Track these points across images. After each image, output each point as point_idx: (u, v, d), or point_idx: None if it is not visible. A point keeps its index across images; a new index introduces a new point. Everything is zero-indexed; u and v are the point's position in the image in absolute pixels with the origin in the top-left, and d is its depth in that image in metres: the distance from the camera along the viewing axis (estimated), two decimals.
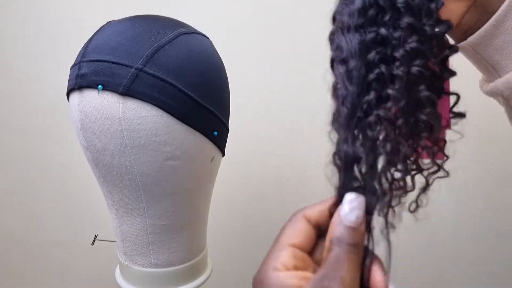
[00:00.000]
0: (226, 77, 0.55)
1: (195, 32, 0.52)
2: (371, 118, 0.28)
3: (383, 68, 0.29)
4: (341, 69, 0.30)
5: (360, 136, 0.28)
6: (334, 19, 0.35)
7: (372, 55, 0.29)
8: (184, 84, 0.47)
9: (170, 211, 0.52)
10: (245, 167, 0.90)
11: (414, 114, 0.29)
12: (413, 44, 0.28)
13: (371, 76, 0.29)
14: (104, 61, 0.46)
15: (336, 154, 0.31)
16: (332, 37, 0.34)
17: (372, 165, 0.28)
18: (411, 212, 0.34)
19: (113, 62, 0.45)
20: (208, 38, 0.55)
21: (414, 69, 0.28)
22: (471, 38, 0.34)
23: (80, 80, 0.47)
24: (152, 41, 0.46)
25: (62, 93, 0.54)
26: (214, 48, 0.54)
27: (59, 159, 0.97)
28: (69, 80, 0.49)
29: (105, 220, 0.62)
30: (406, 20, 0.29)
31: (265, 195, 0.91)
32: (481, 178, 0.85)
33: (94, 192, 0.68)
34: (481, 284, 0.90)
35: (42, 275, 1.06)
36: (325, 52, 0.91)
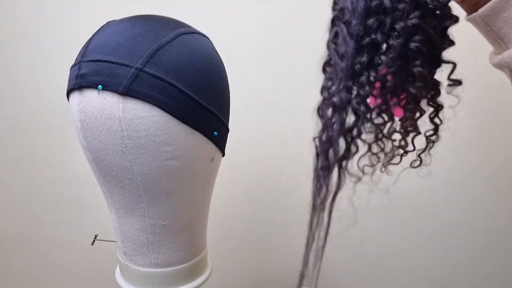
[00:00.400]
0: (226, 77, 0.55)
1: (195, 32, 0.52)
2: (363, 78, 0.30)
3: (379, 35, 0.30)
4: (343, 28, 0.31)
5: (355, 89, 0.31)
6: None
7: (371, 21, 0.30)
8: (184, 84, 0.47)
9: (170, 211, 0.52)
10: (245, 167, 0.90)
11: (404, 85, 0.31)
12: (415, 20, 0.29)
13: (366, 40, 0.30)
14: (104, 61, 0.45)
15: (327, 100, 0.33)
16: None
17: (358, 117, 0.30)
18: (414, 167, 0.37)
19: (113, 62, 0.45)
20: (208, 38, 0.55)
21: (412, 44, 0.30)
22: (481, 10, 0.35)
23: (80, 80, 0.47)
24: (152, 41, 0.46)
25: (62, 93, 0.54)
26: (214, 48, 0.54)
27: (59, 159, 0.97)
28: (69, 80, 0.49)
29: (105, 220, 0.62)
30: None
31: (265, 195, 0.91)
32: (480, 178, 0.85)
33: (94, 192, 0.68)
34: (477, 285, 0.90)
35: (42, 275, 1.06)
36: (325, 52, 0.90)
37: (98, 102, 0.46)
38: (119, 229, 0.54)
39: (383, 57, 0.30)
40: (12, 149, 1.00)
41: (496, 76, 0.43)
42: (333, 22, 0.35)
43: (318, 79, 0.95)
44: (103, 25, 0.51)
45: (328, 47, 0.33)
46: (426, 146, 0.39)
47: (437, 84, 0.35)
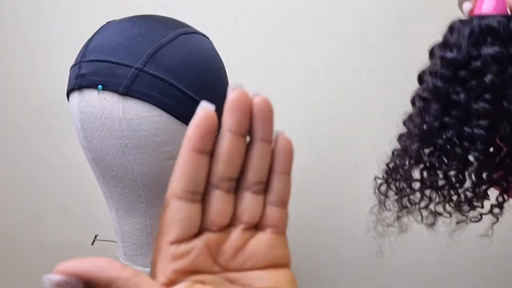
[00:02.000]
0: (226, 77, 0.55)
1: (195, 32, 0.52)
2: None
3: (454, 131, 0.33)
4: (422, 104, 0.35)
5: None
6: (431, 54, 0.38)
7: (448, 119, 0.33)
8: (184, 84, 0.47)
9: None
10: None
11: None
12: (486, 126, 0.31)
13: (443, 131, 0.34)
14: (104, 61, 0.45)
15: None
16: (422, 75, 0.38)
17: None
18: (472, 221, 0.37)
19: (113, 62, 0.45)
20: (208, 38, 0.55)
21: (490, 148, 0.31)
22: None
23: (80, 80, 0.46)
24: (152, 41, 0.46)
25: (62, 93, 0.54)
26: (214, 48, 0.54)
27: (59, 159, 0.97)
28: (69, 80, 0.49)
29: (105, 220, 0.62)
30: (487, 97, 0.31)
31: None
32: None
33: (94, 192, 0.68)
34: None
35: (42, 275, 1.06)
36: (325, 52, 0.92)
37: (98, 102, 0.46)
38: (119, 229, 0.54)
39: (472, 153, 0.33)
40: (12, 149, 1.00)
41: None
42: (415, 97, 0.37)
43: (318, 78, 0.95)
44: (103, 25, 0.51)
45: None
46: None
47: None
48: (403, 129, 0.38)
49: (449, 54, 0.34)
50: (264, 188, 0.24)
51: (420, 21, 0.79)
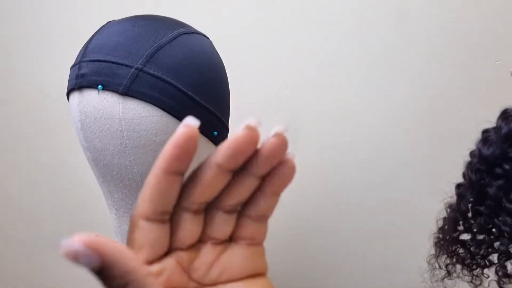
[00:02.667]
0: (226, 77, 0.55)
1: (195, 32, 0.52)
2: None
3: (486, 219, 0.36)
4: (459, 190, 0.38)
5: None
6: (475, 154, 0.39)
7: (482, 208, 0.36)
8: (184, 84, 0.47)
9: None
10: None
11: None
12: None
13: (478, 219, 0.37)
14: (104, 61, 0.45)
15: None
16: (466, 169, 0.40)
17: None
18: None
19: (113, 62, 0.45)
20: (208, 38, 0.55)
21: None
22: None
23: (80, 80, 0.46)
24: (152, 41, 0.46)
25: (62, 93, 0.54)
26: (214, 48, 0.54)
27: (59, 159, 0.97)
28: (69, 80, 0.49)
29: (105, 220, 0.62)
30: None
31: None
32: None
33: (94, 192, 0.68)
34: None
35: (42, 275, 1.06)
36: (325, 52, 0.92)
37: (98, 102, 0.46)
38: (119, 229, 0.54)
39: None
40: (11, 149, 1.00)
41: None
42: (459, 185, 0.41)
43: (319, 78, 0.95)
44: (103, 25, 0.51)
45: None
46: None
47: None
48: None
49: (485, 151, 0.36)
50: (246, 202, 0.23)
51: (420, 21, 0.80)
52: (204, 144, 0.51)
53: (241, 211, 0.23)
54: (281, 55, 0.86)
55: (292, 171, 0.21)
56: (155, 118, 0.46)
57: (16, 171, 1.01)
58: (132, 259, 0.19)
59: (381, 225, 0.90)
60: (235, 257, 0.23)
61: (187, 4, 0.87)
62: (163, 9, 0.68)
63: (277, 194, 0.22)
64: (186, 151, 0.20)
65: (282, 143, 0.20)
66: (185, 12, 0.85)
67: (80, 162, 0.67)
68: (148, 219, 0.21)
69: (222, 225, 0.22)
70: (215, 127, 0.51)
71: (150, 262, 0.21)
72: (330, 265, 0.94)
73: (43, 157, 0.98)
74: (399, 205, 0.89)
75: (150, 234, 0.21)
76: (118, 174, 0.49)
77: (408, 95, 0.83)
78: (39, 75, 0.94)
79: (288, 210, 0.90)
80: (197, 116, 0.51)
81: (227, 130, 0.55)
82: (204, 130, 0.50)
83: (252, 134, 0.20)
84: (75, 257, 0.18)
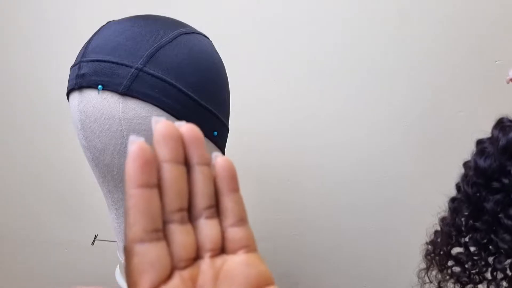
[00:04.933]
0: (226, 77, 0.55)
1: (195, 32, 0.52)
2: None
3: (482, 235, 0.34)
4: (453, 205, 0.36)
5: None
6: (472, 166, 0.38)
7: (478, 223, 0.34)
8: (184, 84, 0.47)
9: None
10: (245, 167, 0.90)
11: None
12: (510, 241, 0.31)
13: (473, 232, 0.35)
14: (104, 61, 0.45)
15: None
16: (460, 182, 0.38)
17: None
18: None
19: (113, 62, 0.45)
20: (208, 38, 0.55)
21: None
22: None
23: (80, 80, 0.46)
24: (152, 41, 0.46)
25: (62, 93, 0.54)
26: (214, 48, 0.54)
27: (59, 159, 0.97)
28: (69, 80, 0.49)
29: (105, 220, 0.62)
30: None
31: (265, 195, 0.91)
32: None
33: (94, 192, 0.68)
34: None
35: (42, 275, 1.06)
36: (324, 52, 0.92)
37: (98, 102, 0.46)
38: (119, 229, 0.54)
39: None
40: (12, 149, 1.00)
41: None
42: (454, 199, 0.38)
43: (318, 78, 0.95)
44: (103, 25, 0.51)
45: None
46: None
47: None
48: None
49: (482, 163, 0.34)
50: (218, 212, 0.24)
51: (420, 21, 0.80)
52: (204, 144, 0.51)
53: (221, 223, 0.23)
54: (281, 55, 0.86)
55: (227, 162, 0.24)
56: None
57: (16, 171, 1.01)
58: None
59: (381, 225, 0.90)
60: (236, 266, 0.23)
61: (187, 4, 0.87)
62: (163, 9, 0.68)
63: (234, 190, 0.24)
64: (146, 161, 0.21)
65: (191, 126, 0.23)
66: (185, 12, 0.85)
67: (80, 162, 0.67)
68: (142, 240, 0.20)
69: (209, 231, 0.23)
70: (215, 127, 0.51)
71: (156, 287, 0.20)
72: (330, 265, 0.94)
73: (43, 157, 0.98)
74: (399, 205, 0.89)
75: (149, 255, 0.20)
76: (118, 174, 0.49)
77: (408, 95, 0.83)
78: (39, 75, 0.94)
79: (288, 209, 0.90)
80: (197, 116, 0.51)
81: (227, 130, 0.55)
82: (204, 130, 0.50)
83: (166, 122, 0.22)
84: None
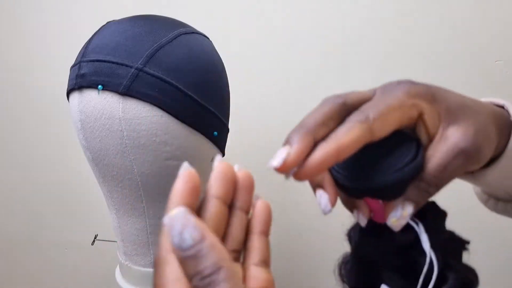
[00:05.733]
0: (226, 77, 0.55)
1: (195, 32, 0.52)
2: None
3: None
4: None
5: None
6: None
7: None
8: (184, 84, 0.47)
9: None
10: (245, 167, 0.90)
11: None
12: None
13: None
14: (104, 61, 0.45)
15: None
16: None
17: None
18: None
19: (113, 62, 0.45)
20: (208, 38, 0.55)
21: None
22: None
23: (80, 80, 0.47)
24: (152, 41, 0.46)
25: (62, 93, 0.54)
26: (214, 48, 0.54)
27: (59, 159, 0.97)
28: (69, 80, 0.49)
29: (105, 220, 0.62)
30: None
31: (265, 195, 0.91)
32: None
33: (94, 192, 0.68)
34: None
35: (42, 275, 1.06)
36: (324, 52, 0.92)
37: (98, 102, 0.46)
38: (119, 229, 0.54)
39: None
40: (12, 149, 1.00)
41: None
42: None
43: (318, 78, 0.95)
44: (103, 25, 0.51)
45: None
46: None
47: None
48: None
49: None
50: (244, 252, 0.25)
51: (420, 21, 0.80)
52: (204, 144, 0.51)
53: (245, 260, 0.25)
54: (281, 55, 0.86)
55: (267, 207, 0.26)
56: (155, 118, 0.46)
57: (16, 171, 1.01)
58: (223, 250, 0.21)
59: None
60: None
61: (187, 4, 0.87)
62: (163, 9, 0.68)
63: (265, 234, 0.25)
64: (193, 186, 0.23)
65: (248, 174, 0.26)
66: (185, 12, 0.85)
67: (80, 162, 0.67)
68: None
69: None
70: (215, 127, 0.51)
71: None
72: (331, 265, 0.94)
73: (43, 157, 0.98)
74: None
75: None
76: (118, 174, 0.49)
77: None
78: (40, 75, 0.94)
79: (289, 210, 0.90)
80: (197, 116, 0.51)
81: (227, 130, 0.55)
82: (204, 130, 0.50)
83: (228, 165, 0.24)
84: (180, 231, 0.20)
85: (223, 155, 0.56)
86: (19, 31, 0.94)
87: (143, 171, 0.48)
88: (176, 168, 0.50)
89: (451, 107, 0.26)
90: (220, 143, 0.53)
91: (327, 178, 0.27)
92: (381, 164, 0.25)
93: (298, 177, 0.24)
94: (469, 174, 0.32)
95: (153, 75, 0.45)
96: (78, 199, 0.99)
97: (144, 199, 0.51)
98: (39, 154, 0.99)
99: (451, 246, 0.29)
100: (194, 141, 0.49)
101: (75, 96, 0.48)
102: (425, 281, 0.26)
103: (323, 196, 0.26)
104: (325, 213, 0.26)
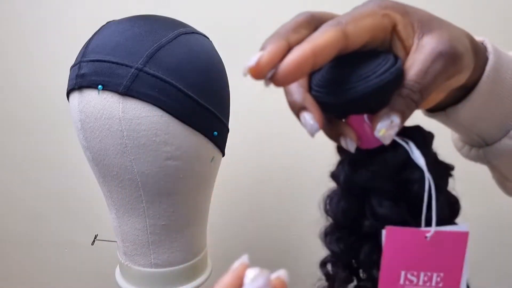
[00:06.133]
0: (226, 77, 0.55)
1: (195, 32, 0.52)
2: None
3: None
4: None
5: None
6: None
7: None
8: (184, 84, 0.47)
9: (170, 211, 0.52)
10: (245, 167, 0.90)
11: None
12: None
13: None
14: (104, 61, 0.46)
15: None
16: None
17: None
18: None
19: (113, 62, 0.45)
20: (208, 38, 0.55)
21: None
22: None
23: (80, 80, 0.47)
24: (152, 41, 0.46)
25: (62, 93, 0.54)
26: (214, 48, 0.54)
27: (59, 159, 0.97)
28: (69, 80, 0.49)
29: (105, 220, 0.62)
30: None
31: (265, 195, 0.91)
32: None
33: (94, 192, 0.68)
34: None
35: (42, 275, 1.06)
36: None
37: (98, 102, 0.46)
38: (119, 229, 0.54)
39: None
40: (12, 149, 1.00)
41: None
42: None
43: None
44: (103, 25, 0.51)
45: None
46: None
47: None
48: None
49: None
50: None
51: None
52: (204, 144, 0.51)
53: None
54: None
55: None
56: (155, 118, 0.46)
57: (16, 171, 1.01)
58: None
59: None
60: None
61: (187, 4, 0.87)
62: (163, 9, 0.68)
63: None
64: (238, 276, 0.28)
65: (281, 284, 0.28)
66: (185, 12, 0.85)
67: (80, 162, 0.67)
68: None
69: None
70: (215, 127, 0.51)
71: None
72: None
73: (43, 157, 0.98)
74: None
75: None
76: (118, 174, 0.49)
77: None
78: (40, 75, 0.94)
79: (289, 210, 0.90)
80: (197, 116, 0.51)
81: (227, 130, 0.55)
82: (204, 130, 0.50)
83: (264, 276, 0.27)
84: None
85: (223, 155, 0.56)
86: (19, 31, 0.93)
87: (143, 171, 0.48)
88: (176, 168, 0.50)
89: (424, 19, 0.26)
90: (220, 143, 0.53)
91: (309, 100, 0.26)
92: (361, 74, 0.25)
93: (277, 80, 0.24)
94: (442, 113, 0.32)
95: (153, 75, 0.45)
96: (78, 199, 0.99)
97: (144, 199, 0.51)
98: (39, 154, 0.99)
99: (439, 167, 0.29)
100: (194, 141, 0.49)
101: (75, 96, 0.48)
102: (419, 198, 0.26)
103: (307, 116, 0.26)
104: (313, 133, 0.25)
